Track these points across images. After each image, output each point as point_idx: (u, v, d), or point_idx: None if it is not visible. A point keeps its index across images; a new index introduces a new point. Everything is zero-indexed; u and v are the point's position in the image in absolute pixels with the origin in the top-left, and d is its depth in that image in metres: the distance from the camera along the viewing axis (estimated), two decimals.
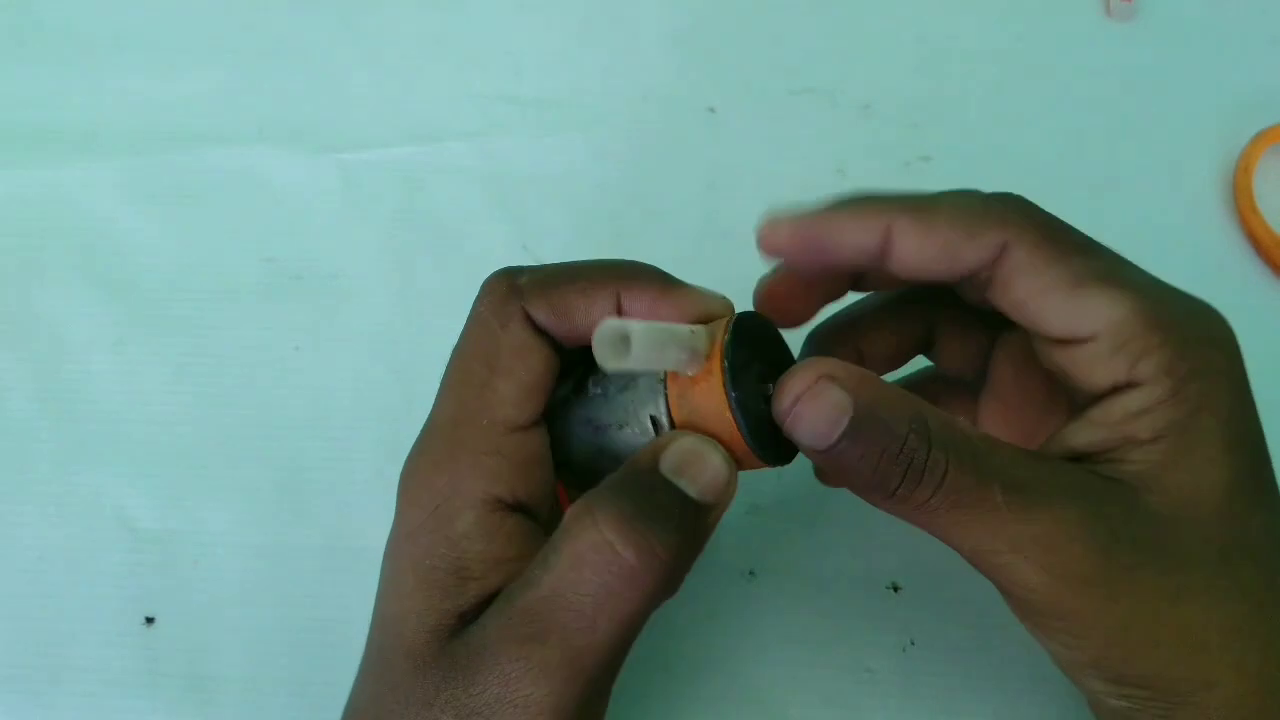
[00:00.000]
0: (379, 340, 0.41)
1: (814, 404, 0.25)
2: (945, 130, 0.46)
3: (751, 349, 0.27)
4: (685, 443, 0.26)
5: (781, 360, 0.29)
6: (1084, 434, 0.26)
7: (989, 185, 0.44)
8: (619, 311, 0.27)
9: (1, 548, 0.37)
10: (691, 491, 0.26)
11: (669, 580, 0.26)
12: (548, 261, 0.42)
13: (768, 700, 0.35)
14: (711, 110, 0.47)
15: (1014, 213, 0.27)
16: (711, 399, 0.26)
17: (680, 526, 0.25)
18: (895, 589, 0.37)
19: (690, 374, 0.27)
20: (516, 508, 0.27)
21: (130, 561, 0.37)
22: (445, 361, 0.40)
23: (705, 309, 0.28)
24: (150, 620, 0.36)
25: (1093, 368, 0.26)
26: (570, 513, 0.26)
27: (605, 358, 0.24)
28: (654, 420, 0.27)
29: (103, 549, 0.37)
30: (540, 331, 0.28)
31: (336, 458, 0.39)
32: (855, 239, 0.27)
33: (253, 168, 0.45)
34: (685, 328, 0.26)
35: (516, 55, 0.48)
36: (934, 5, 0.49)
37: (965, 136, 0.46)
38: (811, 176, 0.45)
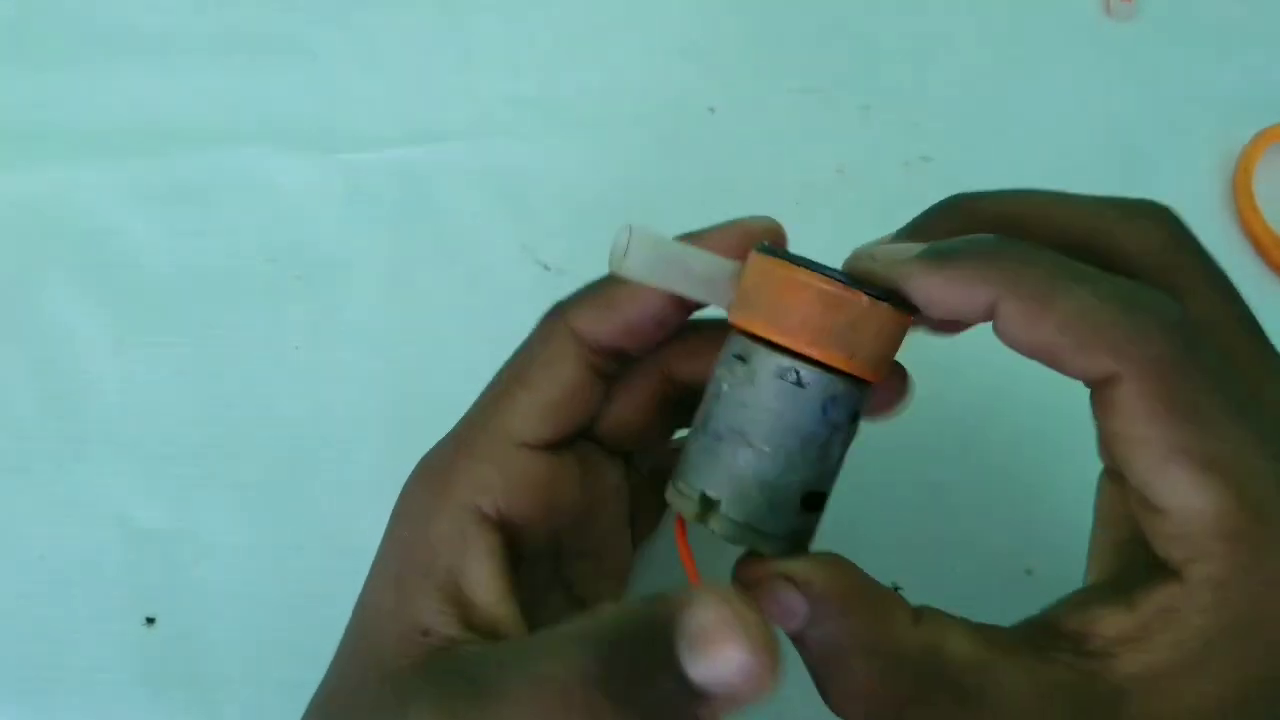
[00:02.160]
0: (380, 340, 0.41)
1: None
2: (945, 130, 0.46)
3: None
4: (717, 611, 0.21)
5: None
6: (1117, 620, 0.24)
7: (989, 184, 0.44)
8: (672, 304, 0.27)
9: (2, 547, 0.37)
10: (691, 671, 0.21)
11: None
12: (547, 260, 0.43)
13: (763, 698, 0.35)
14: (711, 110, 0.47)
15: (1138, 342, 0.23)
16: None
17: (648, 709, 0.21)
18: (895, 589, 0.37)
19: (723, 305, 0.26)
20: (501, 524, 0.26)
21: (130, 561, 0.37)
22: (447, 361, 0.41)
23: (747, 234, 0.27)
24: (150, 620, 0.36)
25: (1151, 532, 0.24)
26: (561, 631, 0.23)
27: (610, 262, 0.24)
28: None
29: (103, 549, 0.37)
30: (581, 344, 0.27)
31: (338, 457, 0.39)
32: (958, 309, 0.24)
33: (254, 168, 0.45)
34: (715, 258, 0.25)
35: (517, 56, 0.48)
36: (934, 5, 0.49)
37: (965, 136, 0.46)
38: (811, 176, 0.45)
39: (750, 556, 0.26)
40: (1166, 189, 0.44)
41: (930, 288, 0.24)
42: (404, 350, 0.41)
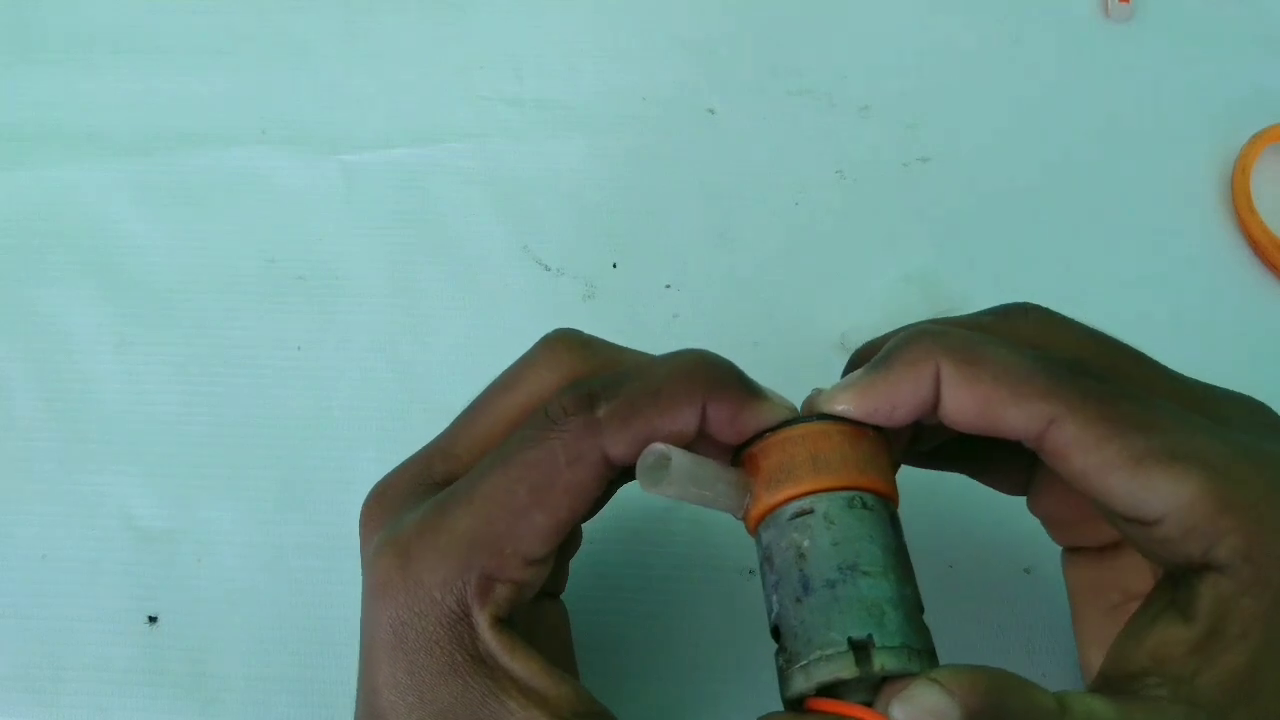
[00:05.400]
0: (380, 340, 0.41)
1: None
2: (944, 131, 0.46)
3: None
4: None
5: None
6: (1175, 634, 0.25)
7: (988, 185, 0.44)
8: (703, 421, 0.26)
9: (4, 547, 0.37)
10: None
11: None
12: (547, 260, 0.43)
13: (766, 698, 0.35)
14: (711, 111, 0.47)
15: (1064, 381, 0.25)
16: None
17: None
18: None
19: (739, 517, 0.27)
20: (515, 618, 0.27)
21: (133, 560, 0.37)
22: (446, 361, 0.41)
23: (776, 419, 0.27)
24: (153, 619, 0.36)
25: (1163, 547, 0.25)
26: None
27: (644, 481, 0.25)
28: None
29: (105, 548, 0.37)
30: (610, 468, 0.26)
31: (338, 457, 0.39)
32: (916, 398, 0.26)
33: (255, 169, 0.45)
34: (737, 475, 0.26)
35: (517, 57, 0.48)
36: (933, 5, 0.49)
37: (964, 137, 0.46)
38: (811, 177, 0.45)
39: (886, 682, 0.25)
40: (1164, 190, 0.45)
41: (890, 387, 0.26)
42: (404, 350, 0.41)
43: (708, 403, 0.26)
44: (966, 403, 0.26)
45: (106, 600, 0.37)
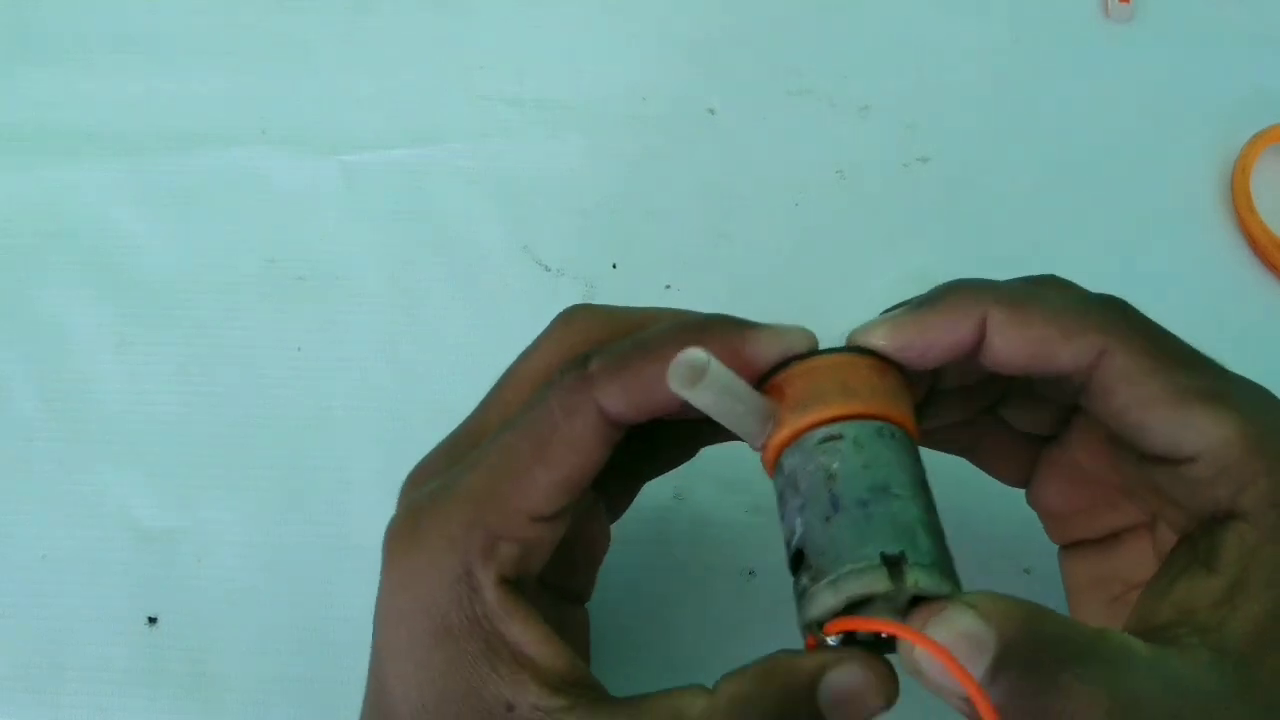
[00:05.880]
0: (380, 340, 0.41)
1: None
2: (943, 131, 0.46)
3: None
4: (857, 675, 0.24)
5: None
6: (1200, 586, 0.24)
7: (988, 185, 0.44)
8: None
9: (4, 547, 0.38)
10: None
11: None
12: (547, 260, 0.43)
13: None
14: (711, 111, 0.47)
15: (1114, 317, 0.26)
16: None
17: None
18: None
19: (756, 446, 0.27)
20: (522, 582, 0.27)
21: (133, 560, 0.37)
22: (447, 361, 0.41)
23: (786, 345, 0.27)
24: (153, 620, 0.36)
25: (1191, 491, 0.26)
26: (693, 697, 0.25)
27: (677, 382, 0.24)
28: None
29: (105, 548, 0.37)
30: (607, 424, 0.26)
31: (338, 457, 0.39)
32: (953, 338, 0.26)
33: (255, 169, 0.45)
34: (762, 400, 0.26)
35: (518, 57, 0.48)
36: (933, 6, 0.49)
37: (963, 138, 0.46)
38: (811, 177, 0.45)
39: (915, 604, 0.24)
40: (1164, 191, 0.45)
41: (929, 325, 0.26)
42: (404, 350, 0.41)
43: (700, 345, 0.25)
44: (1017, 343, 0.26)
45: (106, 600, 0.37)
